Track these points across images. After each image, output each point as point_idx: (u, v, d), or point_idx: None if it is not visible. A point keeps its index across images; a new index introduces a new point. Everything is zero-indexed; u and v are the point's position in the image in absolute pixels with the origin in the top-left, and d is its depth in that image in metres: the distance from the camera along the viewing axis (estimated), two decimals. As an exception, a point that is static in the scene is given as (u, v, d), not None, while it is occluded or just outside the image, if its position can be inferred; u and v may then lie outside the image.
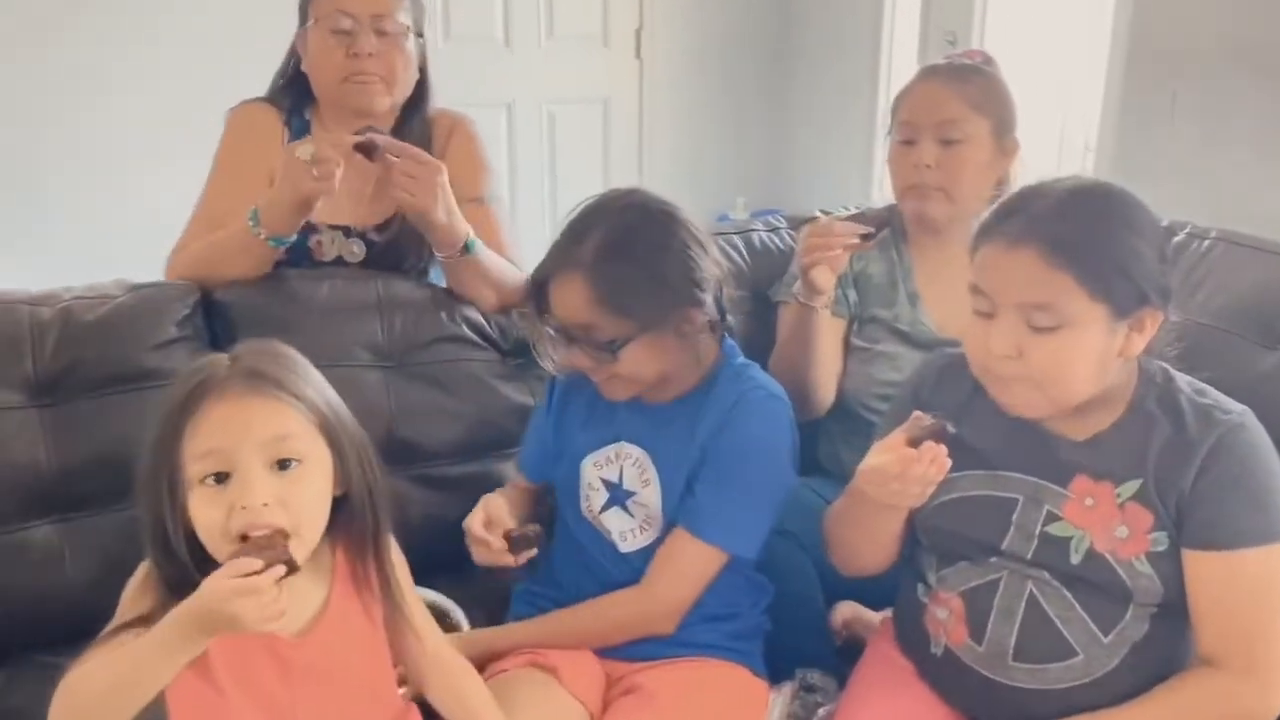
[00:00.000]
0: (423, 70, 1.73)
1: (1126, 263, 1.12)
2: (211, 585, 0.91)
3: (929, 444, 1.13)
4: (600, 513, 1.39)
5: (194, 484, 0.97)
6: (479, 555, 1.31)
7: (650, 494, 1.36)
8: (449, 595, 1.43)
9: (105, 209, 3.19)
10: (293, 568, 0.95)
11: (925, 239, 1.69)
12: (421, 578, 1.22)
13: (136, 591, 1.04)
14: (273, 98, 1.74)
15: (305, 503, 1.00)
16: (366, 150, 1.53)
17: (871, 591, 1.50)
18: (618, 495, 1.38)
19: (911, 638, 1.31)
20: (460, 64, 3.77)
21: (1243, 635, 1.13)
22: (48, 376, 1.44)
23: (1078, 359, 1.12)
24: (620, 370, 1.30)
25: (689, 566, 1.32)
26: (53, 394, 1.44)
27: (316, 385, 1.05)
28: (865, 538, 1.29)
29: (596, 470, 1.39)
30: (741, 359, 1.41)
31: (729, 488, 1.31)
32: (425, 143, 1.69)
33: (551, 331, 1.33)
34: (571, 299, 1.28)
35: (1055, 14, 3.38)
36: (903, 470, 1.13)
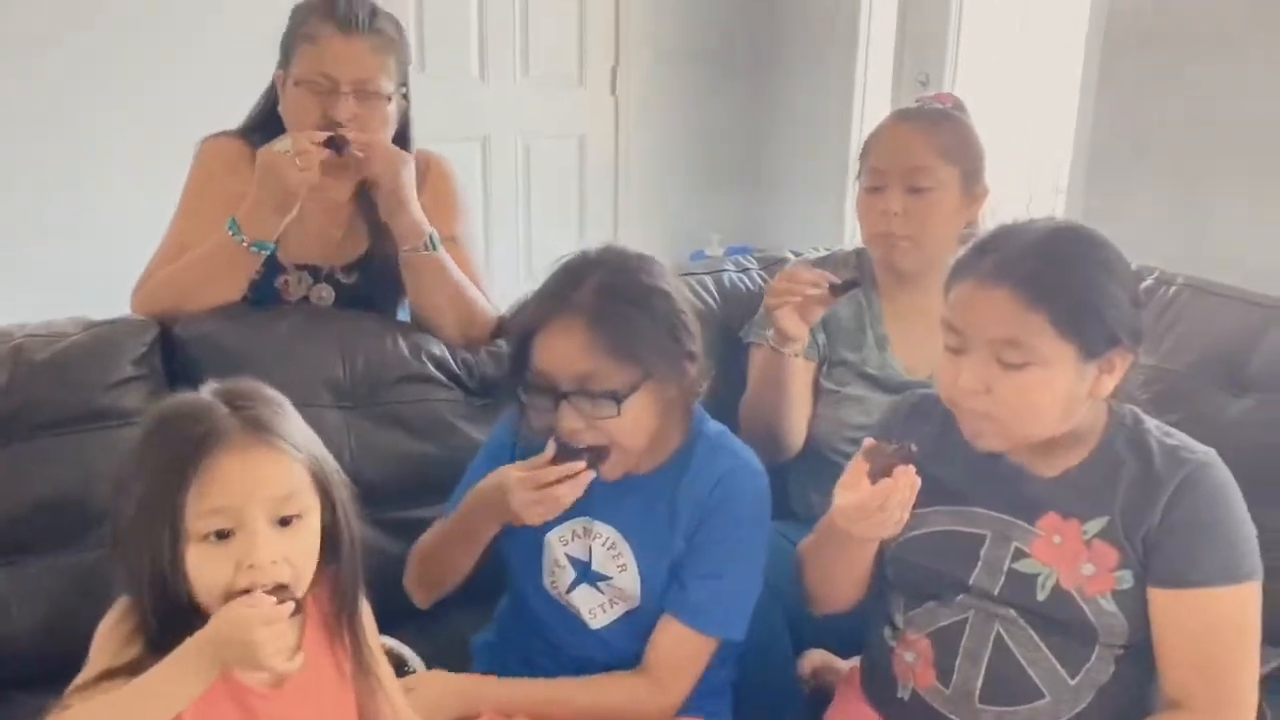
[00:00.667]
0: (405, 121, 1.70)
1: (1099, 304, 1.13)
2: (232, 614, 0.93)
3: (901, 467, 1.13)
4: (568, 592, 1.33)
5: (195, 539, 0.94)
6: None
7: (627, 579, 1.30)
8: (408, 644, 1.40)
9: (71, 240, 3.16)
10: (300, 608, 0.97)
11: (893, 283, 1.69)
12: (381, 625, 1.19)
13: (117, 640, 0.99)
14: (245, 132, 1.70)
15: (305, 557, 1.00)
16: (336, 146, 1.52)
17: (839, 638, 1.50)
18: (587, 575, 1.32)
19: (879, 683, 1.30)
20: (436, 98, 3.77)
21: (1208, 676, 1.13)
22: (-1, 417, 1.40)
23: (1045, 397, 1.13)
24: (620, 428, 1.21)
25: (691, 660, 1.29)
26: (4, 434, 1.40)
27: (305, 433, 1.03)
28: (843, 572, 1.28)
29: (562, 546, 1.32)
30: (713, 425, 1.35)
31: (723, 579, 1.27)
32: None
33: (536, 390, 1.23)
34: (568, 346, 1.20)
35: (1027, 56, 3.43)
36: (884, 501, 1.12)
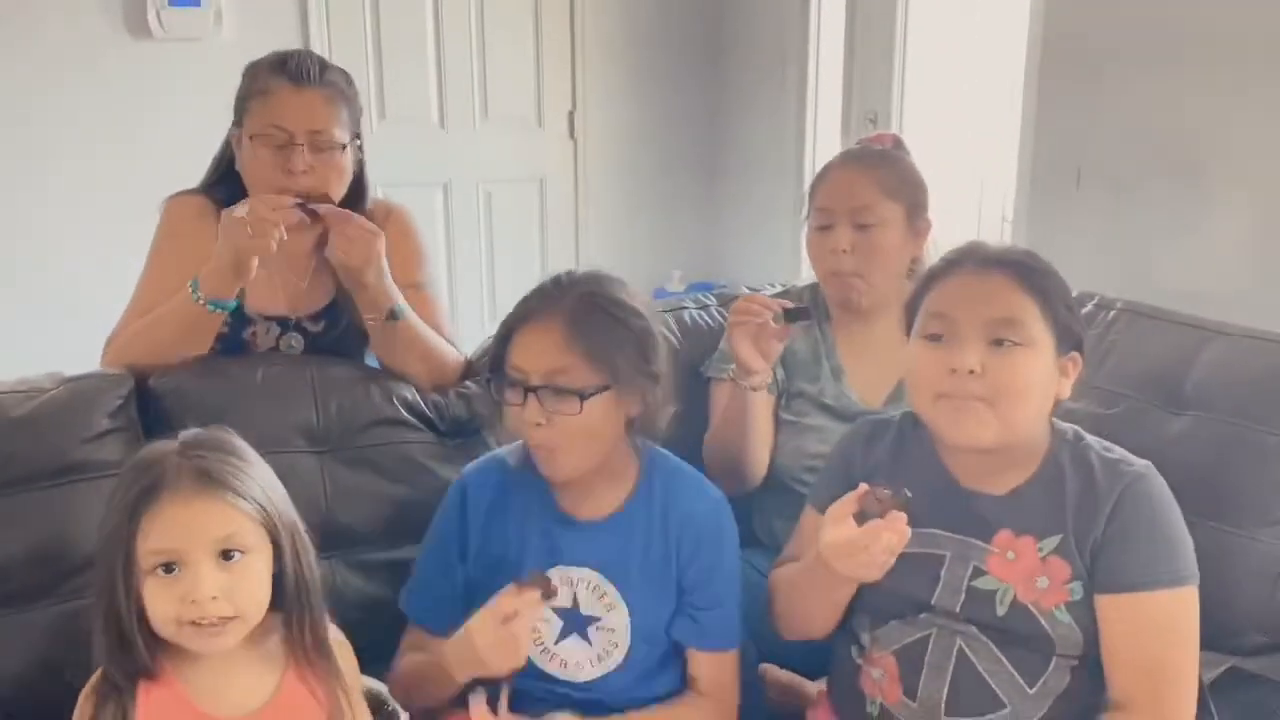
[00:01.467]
0: (360, 170, 1.72)
1: (1070, 304, 1.23)
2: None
3: (893, 513, 1.16)
4: (556, 644, 1.34)
5: (146, 574, 1.04)
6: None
7: (617, 617, 1.33)
8: (385, 684, 1.40)
9: (43, 297, 3.15)
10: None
11: (846, 317, 1.74)
12: (362, 665, 1.22)
13: (90, 709, 1.08)
14: (207, 190, 1.72)
15: (248, 591, 1.07)
16: (309, 210, 1.54)
17: (806, 659, 1.52)
18: (576, 622, 1.34)
19: (848, 700, 1.34)
20: (396, 145, 3.82)
21: (1150, 677, 1.18)
22: (-25, 473, 1.41)
23: (1033, 380, 1.20)
24: (577, 427, 1.26)
25: (732, 675, 1.37)
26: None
27: (260, 477, 1.11)
28: (820, 606, 1.31)
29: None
30: (660, 450, 1.39)
31: (727, 602, 1.36)
32: None
33: (509, 384, 1.29)
34: (545, 342, 1.26)
35: (970, 94, 3.52)
36: (870, 543, 1.15)
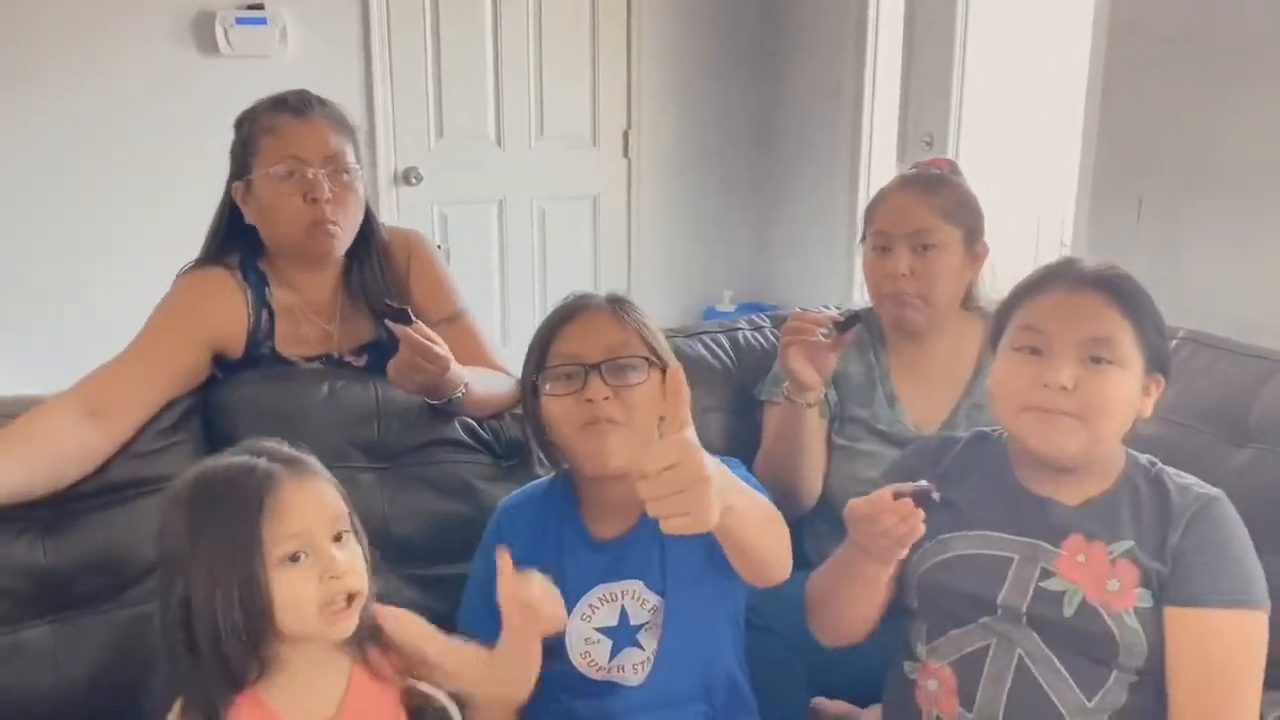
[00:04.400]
0: (367, 206, 1.69)
1: (1160, 326, 1.25)
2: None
3: (904, 500, 1.15)
4: (610, 661, 1.34)
5: (275, 565, 1.06)
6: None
7: (657, 615, 1.33)
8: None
9: (118, 313, 3.22)
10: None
11: (901, 342, 1.74)
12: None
13: None
14: (221, 258, 1.66)
15: (361, 569, 1.11)
16: (405, 318, 1.47)
17: (857, 689, 1.52)
18: (625, 636, 1.34)
19: (903, 717, 1.33)
20: (453, 162, 3.89)
21: (1211, 696, 1.17)
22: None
23: (1123, 398, 1.22)
24: (639, 400, 1.29)
25: None
26: (50, 502, 1.43)
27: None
28: (855, 598, 1.30)
29: (585, 624, 1.34)
30: None
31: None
32: (386, 271, 1.70)
33: (559, 376, 1.31)
34: (598, 324, 1.33)
35: (1029, 116, 3.48)
36: (871, 512, 1.16)
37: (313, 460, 1.14)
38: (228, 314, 1.62)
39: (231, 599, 1.04)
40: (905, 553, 1.20)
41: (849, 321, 1.57)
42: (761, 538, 1.19)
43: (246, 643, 1.05)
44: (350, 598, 1.08)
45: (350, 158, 1.63)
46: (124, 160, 3.38)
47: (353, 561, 1.10)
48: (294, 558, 1.06)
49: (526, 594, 1.14)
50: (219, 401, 1.61)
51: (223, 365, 1.65)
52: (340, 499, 1.12)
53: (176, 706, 1.10)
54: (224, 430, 1.56)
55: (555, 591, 1.17)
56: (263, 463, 1.09)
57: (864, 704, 1.53)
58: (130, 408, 1.51)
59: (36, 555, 1.42)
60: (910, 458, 1.40)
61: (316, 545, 1.07)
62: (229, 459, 1.11)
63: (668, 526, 0.99)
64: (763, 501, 1.23)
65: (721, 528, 1.05)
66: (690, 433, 1.00)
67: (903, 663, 1.33)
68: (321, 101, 1.65)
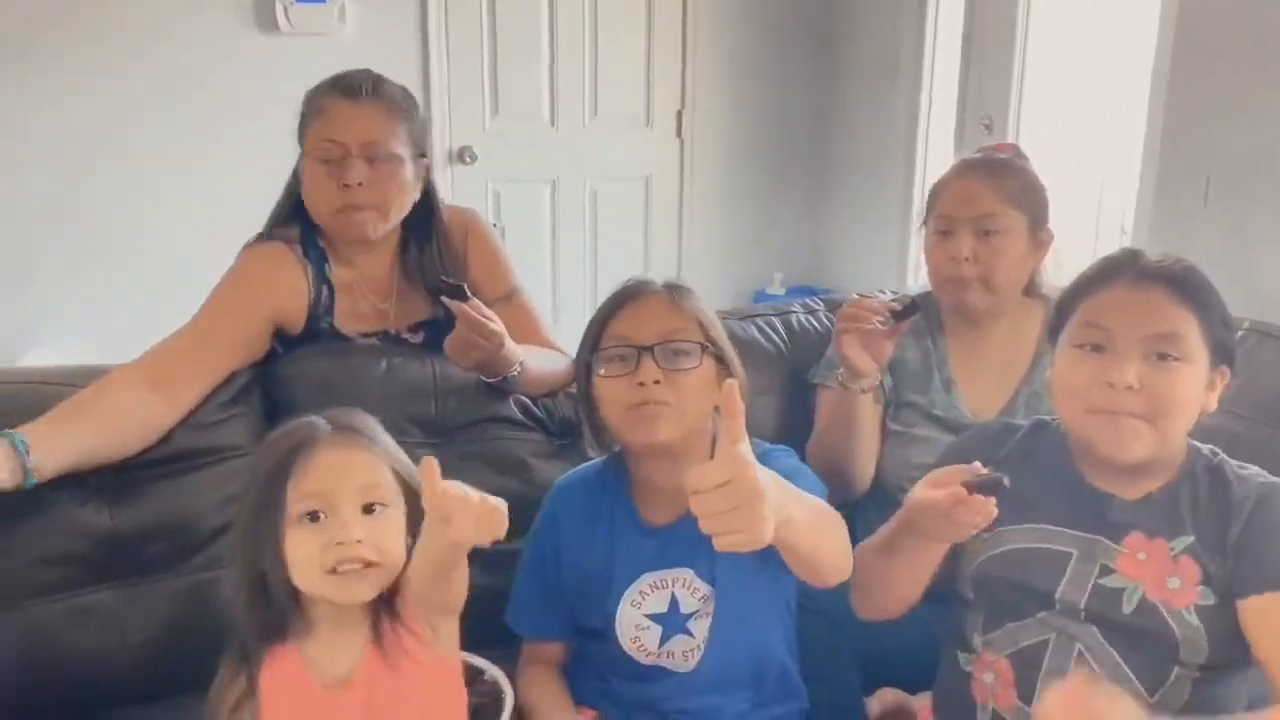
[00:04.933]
0: (430, 189, 1.70)
1: (1226, 319, 1.22)
2: None
3: (979, 497, 1.14)
4: (660, 648, 1.35)
5: (293, 522, 1.09)
6: None
7: (707, 603, 1.34)
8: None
9: (179, 289, 3.29)
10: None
11: (960, 327, 1.72)
12: (467, 648, 1.25)
13: (229, 700, 1.15)
14: (285, 233, 1.68)
15: (389, 543, 1.11)
16: (462, 294, 1.48)
17: (908, 674, 1.51)
18: (675, 623, 1.35)
19: (956, 708, 1.32)
20: (507, 141, 3.91)
21: None
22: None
23: (1190, 395, 1.19)
24: (691, 384, 1.29)
25: None
26: (116, 469, 1.46)
27: (393, 444, 1.18)
28: (902, 572, 1.28)
29: (636, 610, 1.35)
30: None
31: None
32: (445, 253, 1.71)
33: (613, 359, 1.31)
34: (654, 306, 1.33)
35: (1092, 99, 3.41)
36: (950, 508, 1.14)
37: (371, 431, 1.15)
38: (290, 288, 1.65)
39: (254, 550, 1.09)
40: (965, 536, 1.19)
41: (907, 310, 1.54)
42: (818, 545, 1.16)
43: (271, 595, 1.09)
44: (368, 565, 1.08)
45: (397, 144, 1.62)
46: (185, 136, 3.44)
47: (377, 533, 1.09)
48: (314, 516, 1.09)
49: (450, 507, 1.01)
50: (279, 375, 1.63)
51: (283, 340, 1.68)
52: (385, 471, 1.12)
53: (228, 661, 1.15)
54: (284, 403, 1.59)
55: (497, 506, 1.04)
56: (314, 423, 1.13)
57: (907, 686, 1.52)
58: (193, 380, 1.54)
59: (104, 519, 1.46)
60: (969, 442, 1.38)
61: (337, 508, 1.09)
62: (296, 421, 1.15)
63: (720, 544, 0.95)
64: (821, 506, 1.20)
65: (778, 540, 1.01)
66: (744, 447, 0.96)
67: (957, 653, 1.32)
68: (376, 85, 1.63)
